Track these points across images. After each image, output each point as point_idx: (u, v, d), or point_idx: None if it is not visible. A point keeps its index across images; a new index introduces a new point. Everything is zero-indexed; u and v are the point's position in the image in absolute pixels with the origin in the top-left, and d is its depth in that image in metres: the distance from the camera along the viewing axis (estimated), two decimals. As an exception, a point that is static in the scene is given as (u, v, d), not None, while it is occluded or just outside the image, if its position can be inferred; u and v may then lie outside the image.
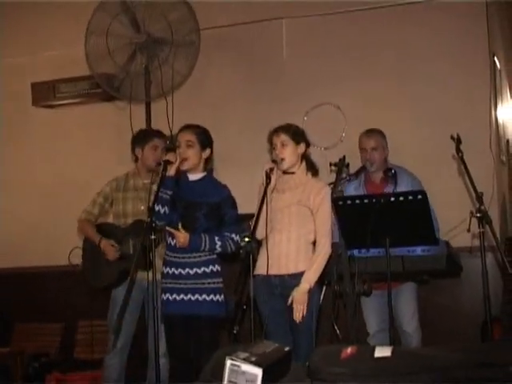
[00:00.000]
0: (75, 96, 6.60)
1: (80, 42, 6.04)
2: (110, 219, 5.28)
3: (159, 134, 5.24)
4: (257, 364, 2.81)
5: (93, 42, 6.00)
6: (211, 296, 4.36)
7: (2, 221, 6.92)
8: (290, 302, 4.24)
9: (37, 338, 6.41)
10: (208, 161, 4.54)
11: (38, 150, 6.94)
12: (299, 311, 4.23)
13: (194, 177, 4.48)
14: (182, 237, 4.27)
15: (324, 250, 4.32)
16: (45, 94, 6.66)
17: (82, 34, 6.01)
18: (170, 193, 4.34)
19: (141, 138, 5.16)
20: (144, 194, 5.02)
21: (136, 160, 5.20)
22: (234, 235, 4.40)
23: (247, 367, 2.80)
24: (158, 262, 4.77)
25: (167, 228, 4.33)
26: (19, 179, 6.97)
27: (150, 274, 4.73)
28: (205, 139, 4.48)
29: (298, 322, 4.23)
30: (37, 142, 6.93)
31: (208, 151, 4.49)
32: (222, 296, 4.42)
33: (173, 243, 4.39)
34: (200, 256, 4.38)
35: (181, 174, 4.44)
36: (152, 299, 4.19)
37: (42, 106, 6.79)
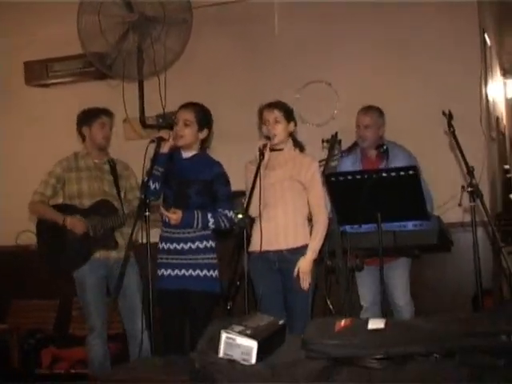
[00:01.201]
0: (68, 75, 6.57)
1: (73, 21, 5.99)
2: (59, 201, 5.10)
3: (106, 111, 5.08)
4: (252, 337, 2.82)
5: (85, 20, 5.94)
6: (205, 271, 4.37)
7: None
8: (296, 272, 4.25)
9: (33, 314, 6.41)
10: (205, 141, 4.52)
11: (29, 128, 6.90)
12: (306, 280, 4.27)
13: (186, 154, 4.47)
14: (173, 217, 4.28)
15: (323, 221, 4.35)
16: (38, 72, 6.62)
17: (74, 13, 5.96)
18: (161, 169, 4.34)
19: (87, 117, 5.01)
20: (98, 173, 4.98)
21: (83, 140, 5.07)
22: (227, 211, 4.41)
23: (242, 340, 2.82)
24: (121, 242, 4.86)
25: (160, 209, 4.33)
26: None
27: (114, 252, 4.86)
28: (204, 119, 4.45)
29: (305, 289, 4.26)
30: (29, 121, 6.88)
31: (205, 132, 4.48)
32: (217, 272, 4.43)
33: (167, 220, 4.39)
34: (194, 231, 4.38)
35: (174, 151, 4.43)
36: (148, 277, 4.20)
37: (35, 85, 6.75)
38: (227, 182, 4.48)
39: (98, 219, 4.86)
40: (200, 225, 4.34)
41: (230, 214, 4.43)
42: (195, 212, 4.33)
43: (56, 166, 4.97)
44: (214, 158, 4.57)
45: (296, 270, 4.26)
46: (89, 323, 4.86)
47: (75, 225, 4.82)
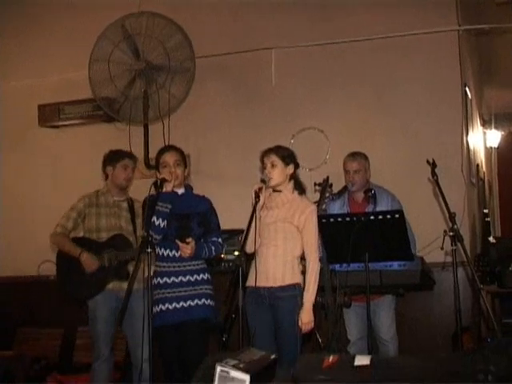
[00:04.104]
0: (78, 117, 6.59)
1: (84, 66, 6.07)
2: (79, 234, 5.11)
3: (130, 154, 5.18)
4: (245, 370, 2.81)
5: (96, 67, 6.03)
6: (203, 300, 4.40)
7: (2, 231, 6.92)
8: (300, 323, 4.21)
9: (37, 342, 6.36)
10: (186, 178, 4.73)
11: (44, 166, 6.92)
12: (307, 329, 4.24)
13: (180, 191, 4.57)
14: (189, 248, 4.33)
15: (315, 267, 4.29)
16: (50, 115, 6.64)
17: (85, 58, 6.04)
18: (169, 206, 4.38)
19: (113, 158, 5.07)
20: (116, 210, 5.02)
21: (106, 178, 5.12)
22: (220, 240, 4.57)
23: (236, 373, 2.80)
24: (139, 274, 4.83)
25: (176, 241, 4.35)
26: (21, 193, 6.96)
27: (126, 284, 4.76)
28: (185, 159, 4.64)
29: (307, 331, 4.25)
30: (41, 159, 6.90)
31: (187, 169, 4.69)
32: (213, 302, 4.45)
33: (171, 254, 4.41)
34: (197, 264, 4.45)
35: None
36: (146, 309, 4.16)
37: (47, 126, 6.77)
38: (216, 213, 4.63)
39: (113, 252, 4.87)
40: (207, 254, 4.45)
41: (220, 240, 4.58)
42: (202, 244, 4.43)
43: (79, 202, 5.02)
44: (209, 196, 4.70)
45: (299, 321, 4.21)
46: (96, 351, 4.85)
47: (88, 263, 4.84)
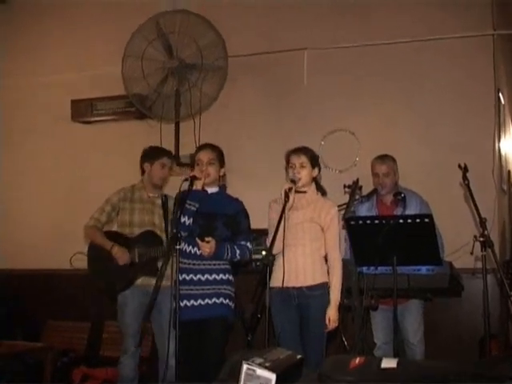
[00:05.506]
0: (111, 113, 6.64)
1: (117, 62, 6.11)
2: (113, 227, 5.19)
3: (169, 153, 5.20)
4: (271, 369, 2.80)
5: (129, 64, 6.08)
6: (221, 299, 4.40)
7: (29, 223, 7.01)
8: (327, 320, 4.25)
9: (65, 335, 6.42)
10: (222, 178, 4.65)
11: (72, 162, 6.99)
12: (333, 327, 4.28)
13: (211, 190, 4.55)
14: (207, 247, 4.31)
15: (340, 266, 4.34)
16: (83, 110, 6.70)
17: (118, 55, 6.09)
18: (197, 205, 4.39)
19: (152, 154, 5.09)
20: (150, 206, 5.04)
21: (142, 173, 5.14)
22: (248, 244, 4.51)
23: (262, 372, 2.80)
24: (167, 270, 4.84)
25: (196, 239, 4.35)
26: (55, 186, 7.04)
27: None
28: (222, 158, 4.60)
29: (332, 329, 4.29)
30: (73, 154, 6.97)
31: (223, 169, 4.61)
32: (233, 303, 4.46)
33: (193, 251, 4.42)
34: (219, 264, 4.44)
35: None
36: (173, 304, 4.21)
37: (80, 121, 6.83)
38: (248, 217, 4.57)
39: (144, 248, 4.89)
40: (229, 256, 4.41)
41: (251, 246, 4.53)
42: (226, 245, 4.40)
43: (114, 195, 5.05)
44: (237, 195, 4.67)
45: (327, 319, 4.25)
46: (124, 344, 4.90)
47: (120, 255, 4.88)
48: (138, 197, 5.06)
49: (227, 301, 4.41)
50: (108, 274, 4.94)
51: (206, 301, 4.38)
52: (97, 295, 5.65)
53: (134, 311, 4.86)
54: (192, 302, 4.39)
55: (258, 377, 2.80)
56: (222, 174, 4.60)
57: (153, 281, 4.81)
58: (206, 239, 4.31)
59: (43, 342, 6.21)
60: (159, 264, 4.91)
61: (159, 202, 5.09)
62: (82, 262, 5.13)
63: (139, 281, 4.89)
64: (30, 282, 6.83)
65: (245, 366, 2.82)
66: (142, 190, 5.09)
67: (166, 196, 5.14)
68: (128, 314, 4.87)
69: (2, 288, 6.59)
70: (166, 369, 4.42)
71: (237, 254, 4.43)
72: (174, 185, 4.45)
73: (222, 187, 4.67)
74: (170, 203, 5.07)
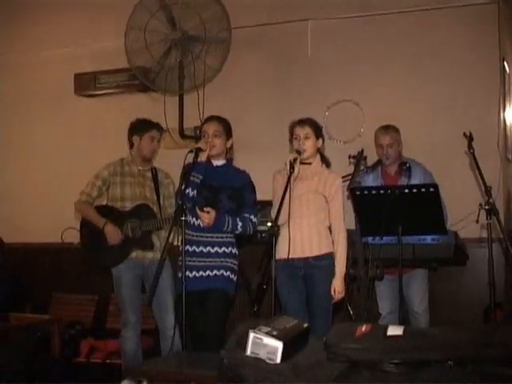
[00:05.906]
0: (114, 86, 6.60)
1: (120, 35, 6.08)
2: (103, 202, 5.13)
3: (158, 126, 5.12)
4: (278, 338, 2.83)
5: (132, 36, 6.04)
6: (222, 271, 4.40)
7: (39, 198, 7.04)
8: (332, 291, 4.28)
9: (72, 307, 6.46)
10: (229, 150, 4.62)
11: (76, 134, 6.99)
12: (339, 298, 4.31)
13: (217, 163, 4.54)
14: (207, 217, 4.30)
15: (342, 236, 4.36)
16: (86, 83, 6.67)
17: (121, 28, 6.05)
18: (201, 177, 4.38)
19: (140, 127, 5.03)
20: (141, 179, 5.02)
21: (131, 147, 5.08)
22: (252, 217, 4.49)
23: (269, 340, 2.83)
24: (157, 244, 4.93)
25: (196, 209, 4.35)
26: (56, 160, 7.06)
27: (151, 253, 4.91)
28: (229, 130, 4.57)
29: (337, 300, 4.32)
30: (77, 128, 6.96)
31: (231, 141, 4.58)
32: (235, 276, 4.47)
33: (196, 223, 4.42)
34: (223, 237, 4.43)
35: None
36: (182, 276, 4.24)
37: (83, 95, 6.82)
38: (254, 190, 4.56)
39: (137, 222, 4.90)
40: (230, 228, 4.39)
41: (255, 219, 4.51)
42: (226, 216, 4.38)
43: (103, 170, 5.02)
44: (242, 167, 4.66)
45: (332, 290, 4.28)
46: (123, 317, 4.89)
47: (111, 235, 4.87)
48: (127, 170, 5.02)
49: (229, 273, 4.42)
50: (101, 248, 4.92)
51: (208, 272, 4.39)
52: (92, 270, 5.70)
53: (130, 282, 4.87)
54: (194, 272, 4.40)
55: (265, 345, 2.83)
56: (228, 146, 4.58)
57: (147, 255, 4.86)
58: (206, 209, 4.31)
59: (50, 314, 6.25)
60: (153, 238, 4.93)
61: (149, 174, 5.07)
62: (73, 237, 5.17)
63: (133, 254, 4.89)
64: (31, 255, 6.90)
65: (251, 335, 2.85)
66: (131, 163, 5.06)
67: (155, 169, 5.13)
68: (124, 287, 4.86)
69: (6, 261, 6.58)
70: (173, 339, 4.43)
71: (238, 227, 4.41)
72: (179, 158, 4.43)
73: (229, 160, 4.65)
74: (160, 176, 5.08)
